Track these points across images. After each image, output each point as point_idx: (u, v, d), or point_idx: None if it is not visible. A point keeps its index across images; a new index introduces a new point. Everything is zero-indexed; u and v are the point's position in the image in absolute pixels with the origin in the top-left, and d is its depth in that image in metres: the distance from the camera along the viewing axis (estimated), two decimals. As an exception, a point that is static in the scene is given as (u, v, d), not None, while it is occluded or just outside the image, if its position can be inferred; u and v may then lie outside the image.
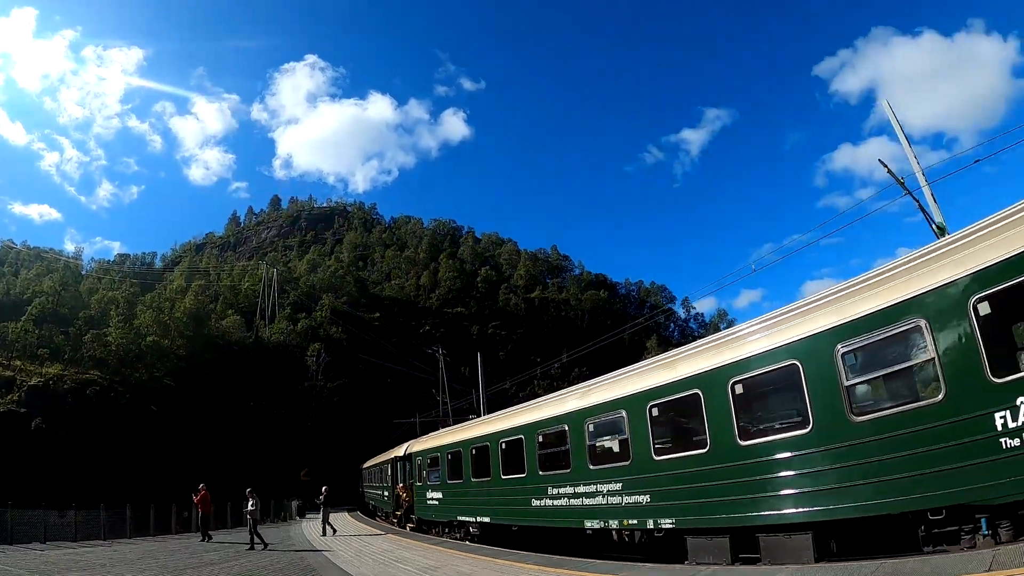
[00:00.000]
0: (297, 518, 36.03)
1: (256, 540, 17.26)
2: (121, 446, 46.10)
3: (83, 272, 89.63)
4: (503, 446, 14.51)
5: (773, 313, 9.05)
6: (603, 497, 10.96)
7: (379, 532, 21.94)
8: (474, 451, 16.25)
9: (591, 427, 11.46)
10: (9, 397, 47.64)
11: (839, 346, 7.34)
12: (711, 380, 9.02)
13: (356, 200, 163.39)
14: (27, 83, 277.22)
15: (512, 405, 20.41)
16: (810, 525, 7.62)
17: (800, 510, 7.66)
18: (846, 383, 7.26)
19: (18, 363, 53.48)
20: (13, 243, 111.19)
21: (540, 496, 12.73)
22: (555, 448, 12.67)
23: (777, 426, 8.49)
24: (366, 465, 42.03)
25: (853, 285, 7.72)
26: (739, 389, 8.65)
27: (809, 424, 7.60)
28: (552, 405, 13.26)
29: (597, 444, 11.47)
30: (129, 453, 45.85)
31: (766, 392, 8.94)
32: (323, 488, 22.76)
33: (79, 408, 48.28)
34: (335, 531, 21.30)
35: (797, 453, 7.73)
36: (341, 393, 68.90)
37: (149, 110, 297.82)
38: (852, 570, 6.58)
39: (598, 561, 10.81)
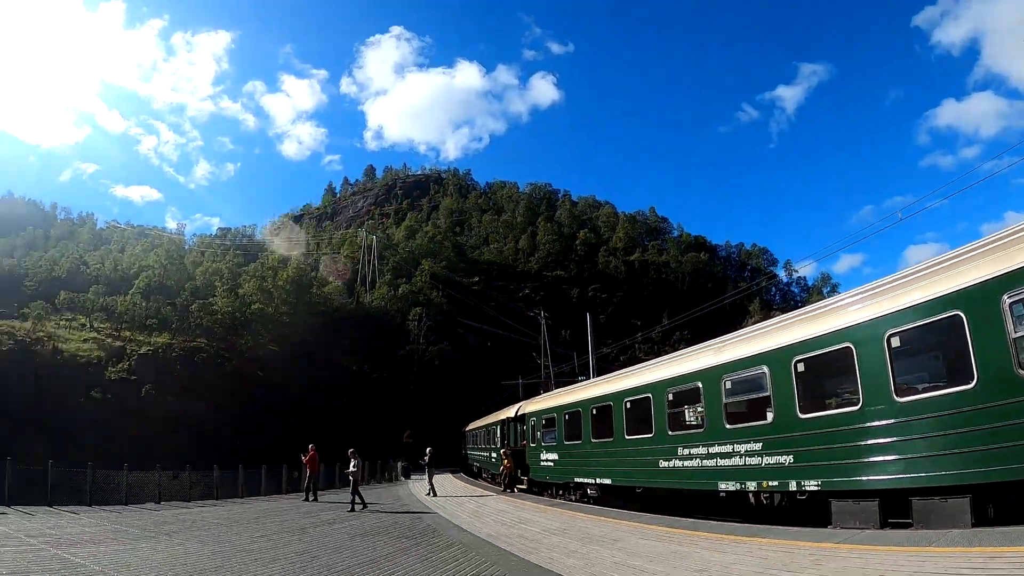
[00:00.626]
0: (402, 479, 36.78)
1: (356, 501, 17.37)
2: (228, 410, 48.76)
3: (186, 247, 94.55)
4: (627, 405, 14.23)
5: (929, 262, 8.43)
6: (740, 458, 10.59)
7: (487, 493, 22.21)
8: (595, 411, 16.02)
9: (728, 384, 11.01)
10: (120, 365, 51.19)
11: (1006, 296, 6.75)
12: (864, 333, 8.49)
13: (449, 167, 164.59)
14: (121, 73, 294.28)
15: (613, 370, 20.16)
16: (968, 488, 7.12)
17: (959, 472, 7.16)
18: (1014, 335, 6.66)
19: (128, 334, 57.48)
20: (118, 223, 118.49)
21: (669, 457, 12.44)
22: (686, 407, 12.36)
23: (937, 382, 7.97)
24: (469, 427, 42.66)
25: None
26: (895, 343, 8.09)
27: (972, 379, 7.04)
28: (682, 362, 12.85)
29: (734, 402, 11.02)
30: (236, 416, 48.43)
31: (924, 346, 8.36)
32: (427, 450, 23.02)
33: (187, 374, 51.42)
34: (435, 493, 21.55)
35: (957, 411, 7.19)
36: (442, 357, 70.35)
37: (240, 90, 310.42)
38: (1016, 535, 6.10)
39: (736, 523, 10.51)
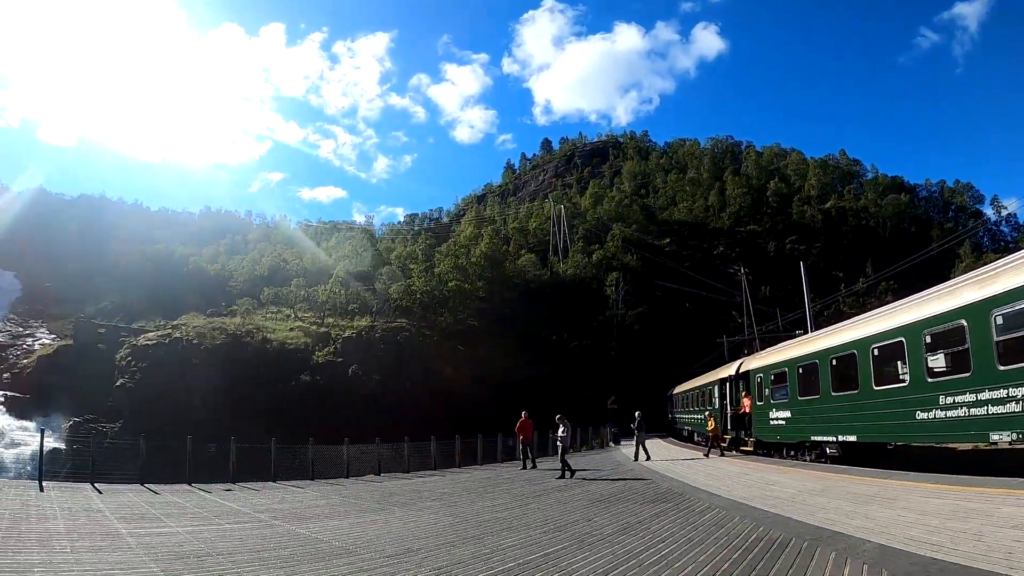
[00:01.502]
0: (612, 445, 36.73)
1: (565, 468, 17.18)
2: (431, 385, 51.27)
3: (376, 235, 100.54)
4: (875, 352, 13.13)
5: None
6: (1018, 404, 9.55)
7: (704, 457, 21.69)
8: (834, 361, 14.95)
9: (999, 319, 9.86)
10: (326, 350, 55.40)
11: None
12: None
13: (625, 132, 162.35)
14: (291, 86, 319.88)
15: (821, 328, 18.82)
16: None
17: None
18: None
19: (331, 320, 62.29)
20: (309, 222, 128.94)
21: (927, 407, 11.51)
22: (949, 349, 11.36)
23: None
24: (677, 390, 42.04)
25: None
26: None
27: None
28: (936, 300, 11.79)
29: (1008, 340, 9.81)
30: (440, 391, 50.65)
31: None
32: (636, 414, 22.50)
33: (391, 354, 54.44)
34: (649, 457, 21.26)
35: None
36: (641, 321, 69.95)
37: (406, 85, 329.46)
38: None
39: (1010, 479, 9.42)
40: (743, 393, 23.34)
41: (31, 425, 45.36)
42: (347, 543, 8.24)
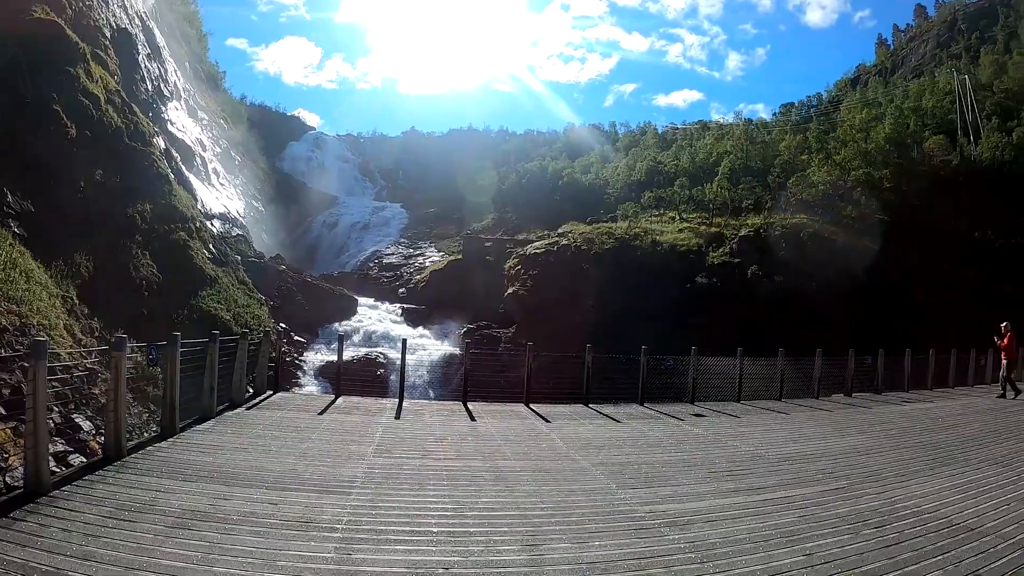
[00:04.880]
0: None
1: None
2: (839, 286, 45.45)
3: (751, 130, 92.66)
4: None
5: None
6: None
7: None
8: None
9: None
10: (721, 250, 51.68)
11: None
12: None
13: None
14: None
15: None
16: None
17: None
18: None
19: (720, 220, 57.93)
20: (675, 124, 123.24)
21: None
22: None
23: None
24: None
25: None
26: None
27: None
28: None
29: None
30: (848, 293, 45.24)
31: None
32: None
33: (793, 253, 49.25)
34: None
35: None
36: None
37: None
38: None
39: None
40: None
41: (427, 332, 48.64)
42: None
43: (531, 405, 15.18)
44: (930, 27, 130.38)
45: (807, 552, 5.77)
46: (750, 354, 18.96)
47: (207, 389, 11.29)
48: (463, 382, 16.44)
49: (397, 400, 15.06)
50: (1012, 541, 6.12)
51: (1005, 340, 20.03)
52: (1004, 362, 20.18)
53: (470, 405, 14.74)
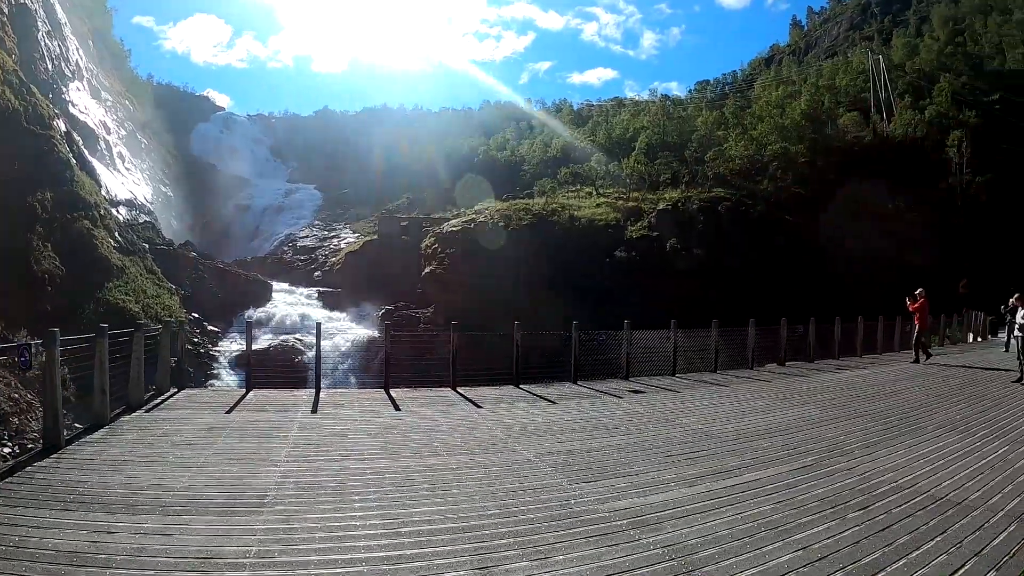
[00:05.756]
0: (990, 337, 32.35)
1: None
2: (755, 258, 46.33)
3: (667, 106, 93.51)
4: None
5: None
6: None
7: None
8: None
9: None
10: (639, 224, 51.63)
11: None
12: None
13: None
14: None
15: None
16: None
17: None
18: None
19: (637, 194, 57.94)
20: (590, 101, 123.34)
21: None
22: None
23: None
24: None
25: None
26: None
27: None
28: None
29: None
30: (768, 265, 45.76)
31: None
32: (1012, 299, 16.66)
33: (710, 226, 49.89)
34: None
35: None
36: (989, 191, 57.75)
37: None
38: None
39: None
40: None
41: (344, 316, 47.37)
42: None
43: (459, 389, 14.21)
44: (843, 10, 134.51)
45: (800, 546, 4.97)
46: (677, 327, 18.31)
47: (97, 391, 9.59)
48: (384, 367, 15.23)
49: (314, 391, 13.68)
50: (1004, 513, 5.68)
51: (916, 304, 20.39)
52: (916, 326, 20.52)
53: (393, 392, 13.64)
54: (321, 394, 13.36)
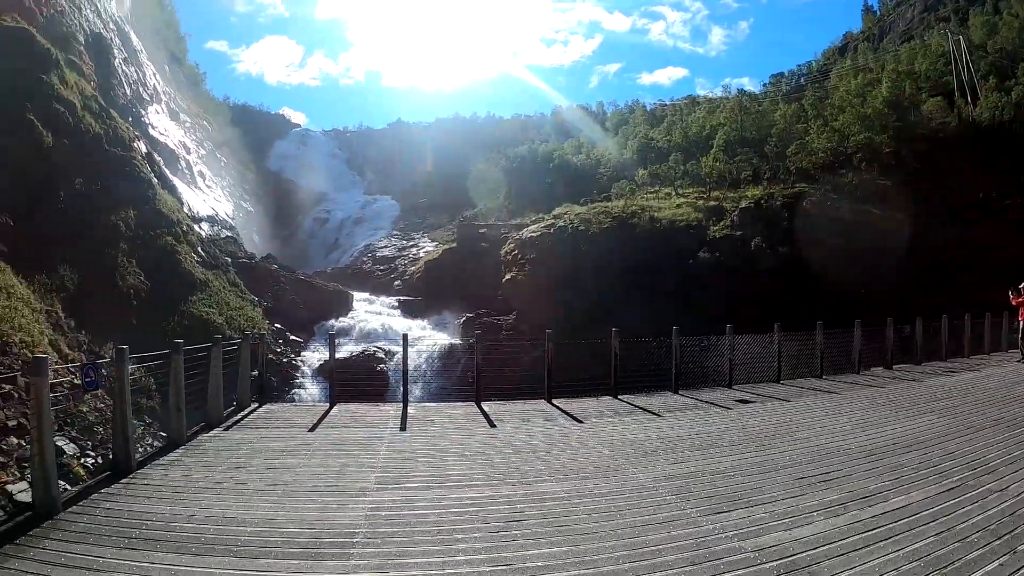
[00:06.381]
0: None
1: None
2: (840, 256, 43.49)
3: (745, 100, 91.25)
4: None
5: None
6: None
7: None
8: None
9: None
10: (722, 223, 50.47)
11: None
12: None
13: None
14: None
15: None
16: None
17: None
18: None
19: (718, 193, 56.90)
20: (664, 101, 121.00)
21: None
22: None
23: None
24: None
25: None
26: None
27: None
28: None
29: None
30: (856, 260, 43.29)
31: None
32: None
33: (794, 222, 48.17)
34: None
35: None
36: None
37: None
38: None
39: None
40: None
41: (425, 324, 47.73)
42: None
43: (554, 401, 13.66)
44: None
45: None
46: (770, 329, 17.67)
47: (173, 410, 9.43)
48: (475, 379, 14.35)
49: (401, 406, 13.11)
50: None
51: (1021, 298, 18.94)
52: (1021, 323, 19.20)
53: (485, 405, 13.07)
54: (409, 408, 12.88)
